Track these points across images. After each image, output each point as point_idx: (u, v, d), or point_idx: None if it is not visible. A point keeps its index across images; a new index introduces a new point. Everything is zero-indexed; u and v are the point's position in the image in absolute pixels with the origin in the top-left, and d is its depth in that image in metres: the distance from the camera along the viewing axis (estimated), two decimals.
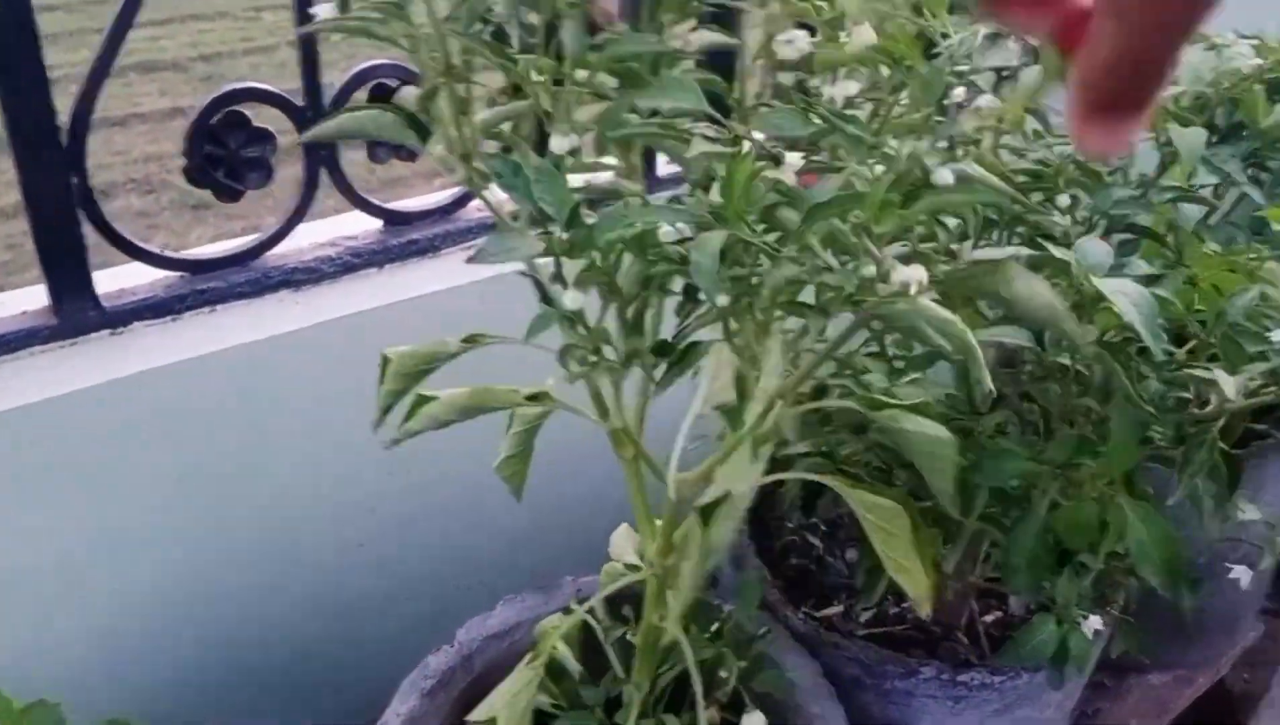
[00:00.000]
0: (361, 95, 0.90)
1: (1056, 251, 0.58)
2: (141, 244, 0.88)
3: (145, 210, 2.75)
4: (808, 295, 0.53)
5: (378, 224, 0.97)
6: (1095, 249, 0.61)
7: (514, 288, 0.97)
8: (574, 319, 0.52)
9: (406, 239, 0.96)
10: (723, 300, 0.47)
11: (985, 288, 0.49)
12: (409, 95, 0.57)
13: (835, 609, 0.88)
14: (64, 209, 0.82)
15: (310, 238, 0.95)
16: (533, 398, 0.57)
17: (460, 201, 0.99)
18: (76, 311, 0.86)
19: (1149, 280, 0.62)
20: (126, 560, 0.89)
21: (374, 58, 0.90)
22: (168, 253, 0.89)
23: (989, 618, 0.89)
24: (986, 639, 0.87)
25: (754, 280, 0.50)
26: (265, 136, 0.88)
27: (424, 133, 0.58)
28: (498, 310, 1.00)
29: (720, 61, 1.02)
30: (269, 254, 0.93)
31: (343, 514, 0.98)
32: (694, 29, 0.62)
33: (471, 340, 0.61)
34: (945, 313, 0.47)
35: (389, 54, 0.88)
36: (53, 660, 0.88)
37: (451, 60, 0.53)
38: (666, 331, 0.58)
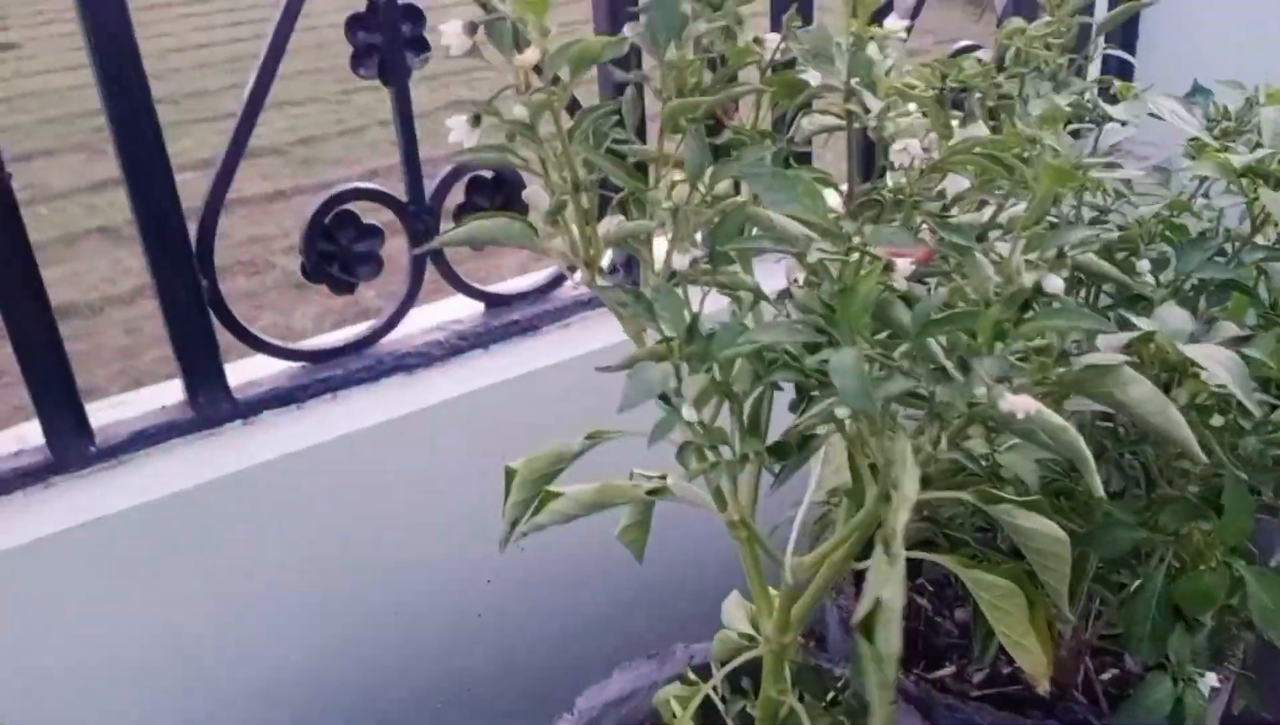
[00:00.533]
0: (459, 187, 0.95)
1: (1141, 321, 0.59)
2: (269, 338, 0.93)
3: (252, 291, 2.88)
4: None
5: (480, 306, 1.01)
6: (1175, 316, 0.62)
7: (610, 360, 1.01)
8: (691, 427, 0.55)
9: (508, 320, 1.00)
10: (875, 410, 0.49)
11: (1097, 390, 0.51)
12: (535, 196, 0.60)
13: (947, 670, 0.89)
14: (196, 310, 0.88)
15: (418, 323, 0.99)
16: (654, 492, 0.60)
17: (556, 281, 1.03)
18: (211, 404, 0.91)
19: (1237, 342, 0.63)
20: (253, 641, 0.94)
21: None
22: (291, 345, 0.94)
23: (1106, 675, 0.88)
24: (1104, 697, 0.87)
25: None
26: (374, 232, 0.93)
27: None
28: (599, 383, 1.04)
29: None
30: (383, 341, 0.97)
31: (461, 586, 1.02)
32: (804, 114, 0.65)
33: (594, 437, 0.63)
34: (1057, 420, 0.49)
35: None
36: None
37: (579, 175, 0.55)
38: (775, 419, 0.60)
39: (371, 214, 0.93)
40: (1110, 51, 1.12)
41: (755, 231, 0.54)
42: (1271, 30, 1.28)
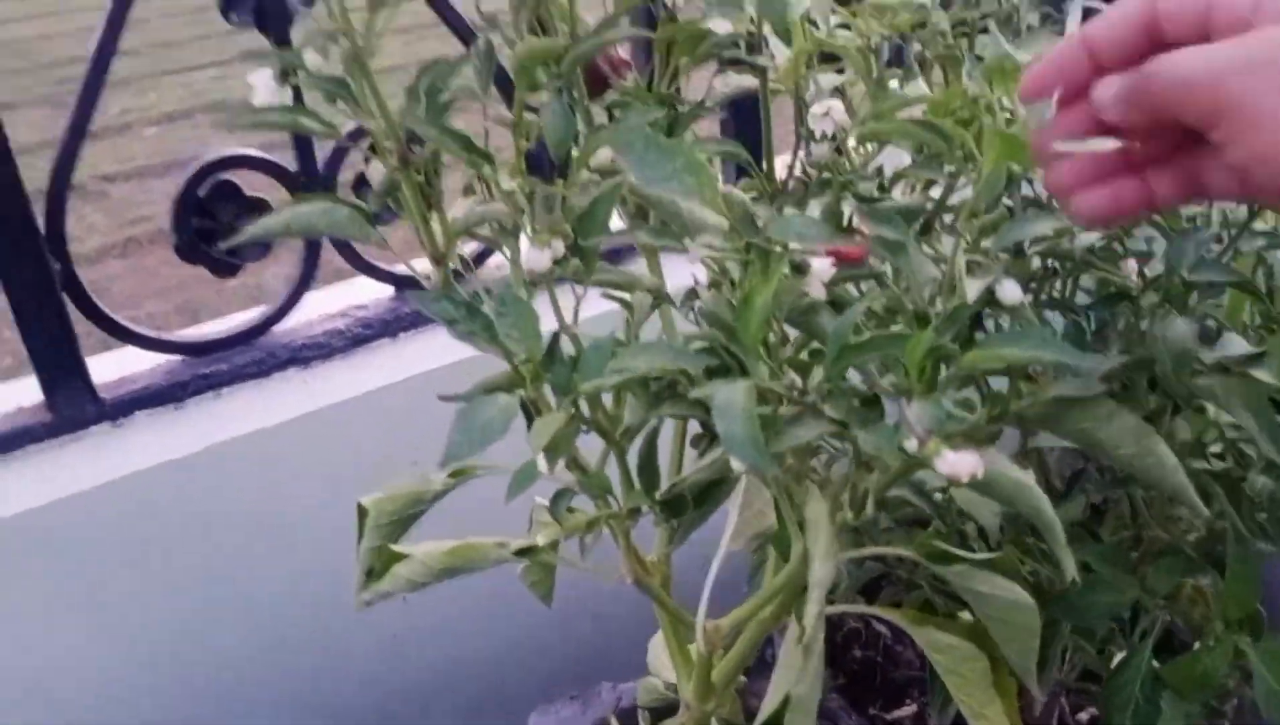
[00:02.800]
0: (357, 156, 0.83)
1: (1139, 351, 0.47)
2: (135, 327, 0.81)
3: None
4: None
5: (388, 290, 0.89)
6: (1176, 331, 0.50)
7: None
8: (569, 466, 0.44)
9: None
10: (772, 470, 0.38)
11: (1069, 428, 0.39)
12: (374, 173, 0.50)
13: (907, 709, 0.78)
14: (48, 297, 0.76)
15: (318, 309, 0.87)
16: (523, 552, 0.49)
17: (479, 258, 0.91)
18: (72, 405, 0.80)
19: (1249, 360, 0.51)
20: (128, 671, 0.83)
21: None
22: (164, 335, 0.83)
23: (1083, 715, 0.78)
24: None
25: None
26: (260, 206, 0.81)
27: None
28: None
29: (749, 130, 0.92)
30: (275, 329, 0.86)
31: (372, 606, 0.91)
32: (716, 74, 0.53)
33: (459, 475, 0.52)
34: (1014, 476, 0.37)
35: None
36: None
37: (410, 151, 0.45)
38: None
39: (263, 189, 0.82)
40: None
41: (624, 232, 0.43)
42: None
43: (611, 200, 0.41)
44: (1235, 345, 0.50)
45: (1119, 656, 0.54)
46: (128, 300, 2.79)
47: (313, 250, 0.84)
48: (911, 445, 0.34)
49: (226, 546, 0.84)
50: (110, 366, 0.83)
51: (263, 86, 0.44)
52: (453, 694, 0.98)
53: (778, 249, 0.39)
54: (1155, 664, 0.52)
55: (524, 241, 0.45)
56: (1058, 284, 0.66)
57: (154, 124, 3.52)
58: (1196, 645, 0.53)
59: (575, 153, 0.43)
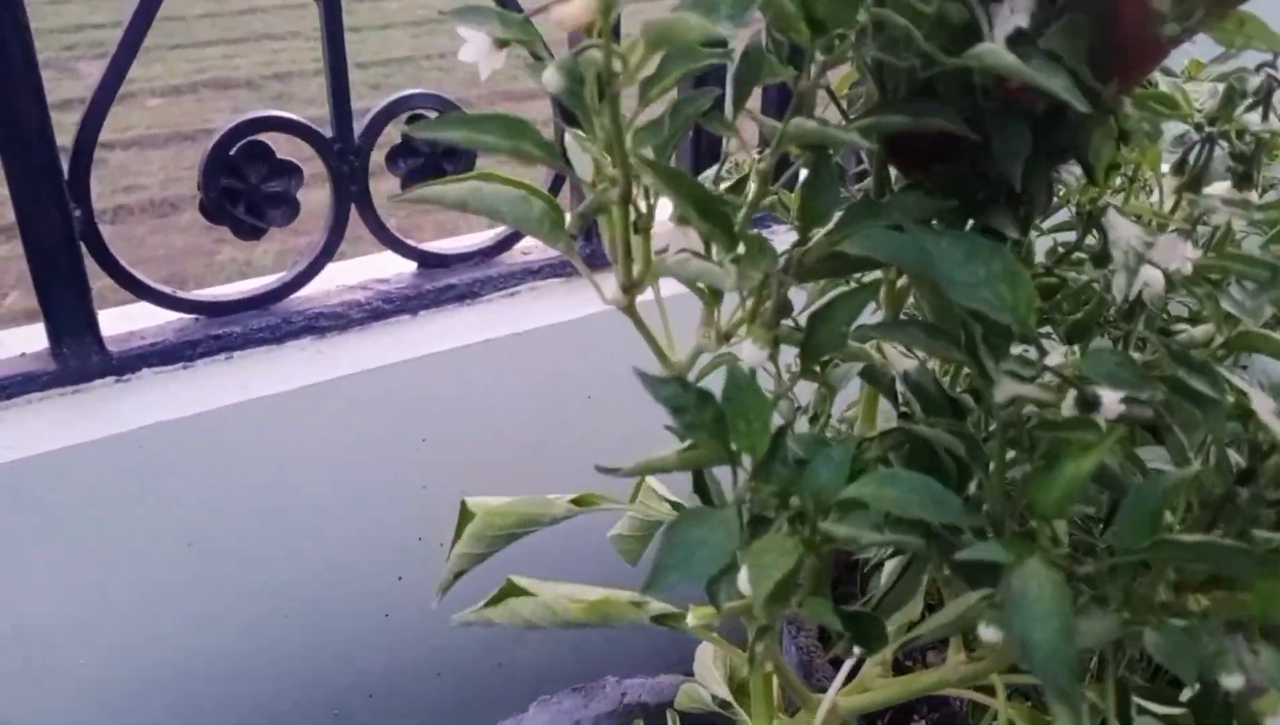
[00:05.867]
0: (393, 129, 0.81)
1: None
2: (150, 282, 0.79)
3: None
4: None
5: (412, 266, 0.87)
6: None
7: (559, 341, 0.87)
8: None
9: (443, 284, 0.86)
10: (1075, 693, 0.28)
11: None
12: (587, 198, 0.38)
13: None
14: (65, 242, 0.74)
15: (338, 280, 0.85)
16: (663, 619, 0.45)
17: (504, 244, 0.89)
18: (79, 356, 0.78)
19: None
20: (128, 627, 0.81)
21: (405, 86, 0.81)
22: (179, 293, 0.81)
23: None
24: None
25: None
26: (290, 169, 0.79)
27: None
28: (539, 364, 0.91)
29: None
30: (293, 296, 0.84)
31: (366, 583, 0.89)
32: None
33: (582, 503, 0.48)
34: None
35: (425, 82, 0.78)
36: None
37: (632, 186, 0.35)
38: None
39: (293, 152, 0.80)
40: None
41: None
42: None
43: (862, 306, 0.34)
44: None
45: None
46: None
47: (340, 220, 0.82)
48: (1233, 683, 0.27)
49: (224, 511, 0.81)
50: (120, 321, 0.81)
51: (475, 44, 0.35)
52: (451, 679, 0.96)
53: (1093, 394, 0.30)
54: None
55: (746, 338, 0.36)
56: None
57: (158, 95, 3.48)
58: None
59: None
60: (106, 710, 0.83)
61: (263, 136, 0.78)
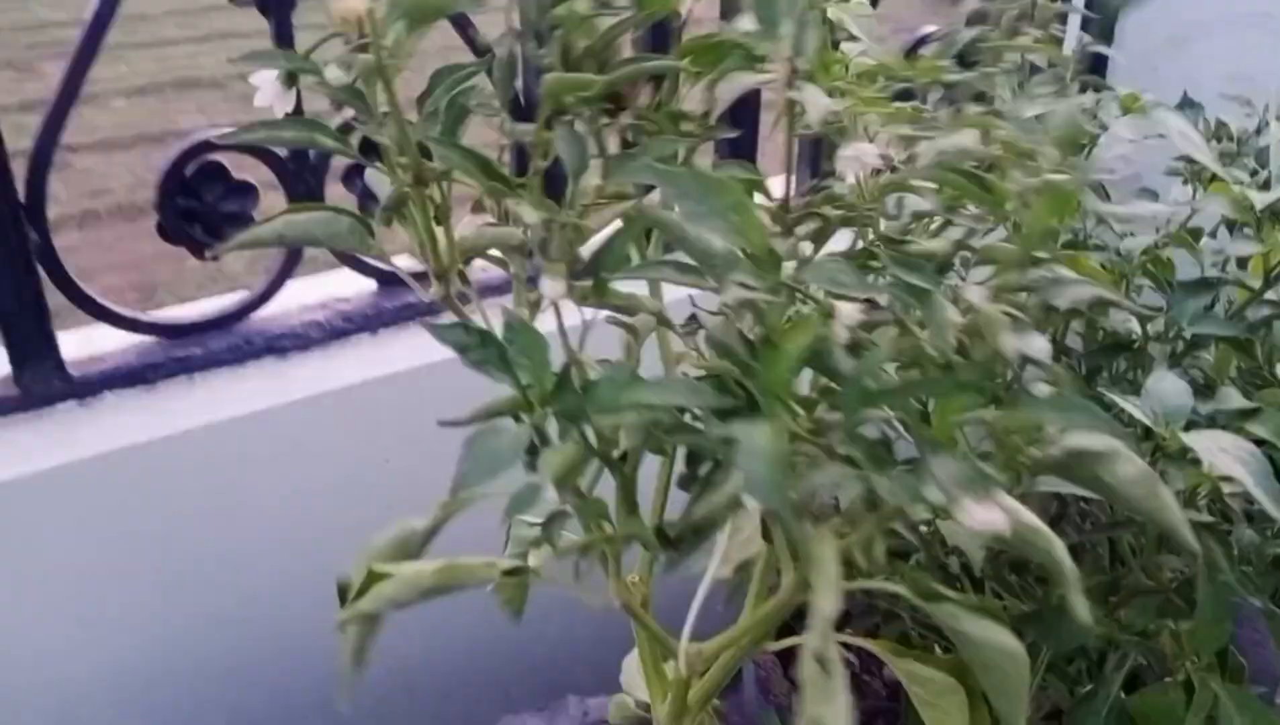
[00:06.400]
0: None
1: (1130, 407, 0.47)
2: (110, 305, 0.79)
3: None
4: None
5: (372, 284, 0.88)
6: (1171, 388, 0.50)
7: None
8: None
9: (403, 302, 0.87)
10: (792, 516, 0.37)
11: (1085, 476, 0.39)
12: (375, 181, 0.49)
13: None
14: (22, 266, 0.74)
15: (298, 298, 0.86)
16: (512, 573, 0.48)
17: (468, 260, 0.90)
18: (40, 380, 0.78)
19: (1242, 415, 0.52)
20: (98, 649, 0.81)
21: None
22: (139, 315, 0.81)
23: None
24: None
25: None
26: (246, 190, 0.79)
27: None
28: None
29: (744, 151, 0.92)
30: (254, 316, 0.84)
31: (331, 606, 0.90)
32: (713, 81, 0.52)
33: (449, 507, 0.50)
34: (1031, 520, 0.37)
35: None
36: None
37: (423, 167, 0.44)
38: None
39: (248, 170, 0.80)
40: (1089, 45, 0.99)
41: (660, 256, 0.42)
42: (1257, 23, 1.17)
43: (633, 235, 0.41)
44: (1231, 399, 0.51)
45: (1087, 688, 0.55)
46: (83, 273, 2.71)
47: None
48: (934, 496, 0.33)
49: (190, 534, 0.82)
50: (80, 343, 0.81)
51: (266, 88, 0.42)
52: (414, 699, 0.96)
53: (816, 293, 0.38)
54: (1123, 696, 0.53)
55: (543, 274, 0.43)
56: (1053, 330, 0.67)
57: (123, 96, 3.45)
58: (1166, 680, 0.53)
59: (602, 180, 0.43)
60: None
61: (218, 156, 0.78)
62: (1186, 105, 0.80)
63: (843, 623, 0.75)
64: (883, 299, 0.40)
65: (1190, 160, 0.68)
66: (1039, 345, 0.36)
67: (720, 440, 0.36)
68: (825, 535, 0.38)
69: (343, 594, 0.47)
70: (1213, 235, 0.65)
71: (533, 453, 0.38)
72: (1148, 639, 0.56)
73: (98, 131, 3.21)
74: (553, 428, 0.41)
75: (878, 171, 0.47)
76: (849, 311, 0.38)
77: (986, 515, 0.32)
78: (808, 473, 0.35)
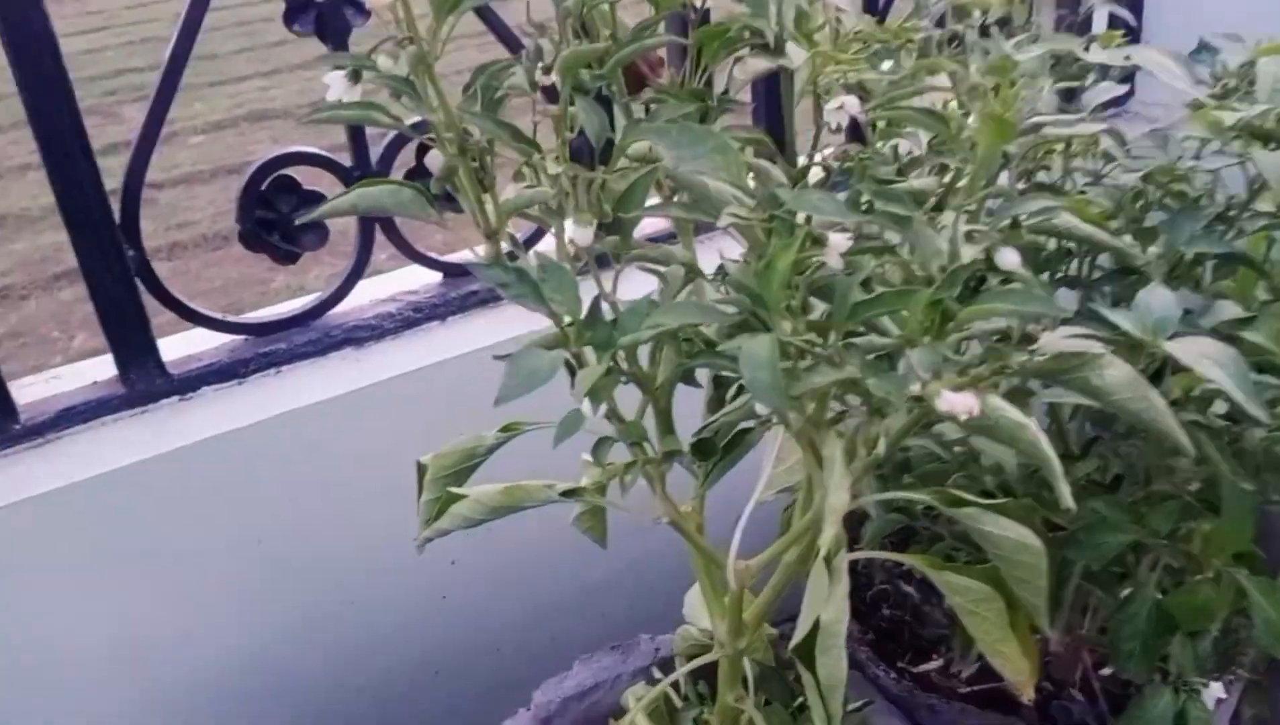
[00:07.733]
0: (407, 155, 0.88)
1: (1117, 318, 0.51)
2: (203, 309, 0.87)
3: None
4: None
5: (437, 277, 0.94)
6: (1159, 301, 0.53)
7: None
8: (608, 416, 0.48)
9: (466, 291, 0.93)
10: (793, 417, 0.42)
11: (1071, 377, 0.43)
12: (434, 160, 0.54)
13: (934, 664, 0.82)
14: (123, 281, 0.82)
15: (370, 294, 0.93)
16: (569, 493, 0.54)
17: (530, 243, 0.96)
18: (144, 380, 0.86)
19: (1238, 324, 0.54)
20: (197, 629, 0.89)
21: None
22: (229, 317, 0.88)
23: (1105, 671, 0.81)
24: (1104, 695, 0.80)
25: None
26: (316, 199, 0.86)
27: (450, 204, 0.55)
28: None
29: (775, 123, 0.96)
30: (330, 313, 0.91)
31: (423, 568, 0.96)
32: (735, 61, 0.57)
33: (510, 429, 0.57)
34: (1012, 416, 0.42)
35: None
36: None
37: (467, 140, 0.50)
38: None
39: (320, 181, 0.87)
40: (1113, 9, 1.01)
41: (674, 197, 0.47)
42: None
43: (648, 182, 0.46)
44: (1225, 311, 0.54)
45: (1125, 594, 0.58)
46: None
47: (367, 240, 0.89)
48: (916, 388, 0.38)
49: (284, 512, 0.89)
50: (178, 346, 0.89)
51: (336, 85, 0.48)
52: (499, 651, 1.03)
53: (799, 220, 0.43)
54: (1160, 597, 0.56)
55: (569, 220, 0.49)
56: (1074, 263, 0.70)
57: (200, 133, 3.62)
58: (1197, 579, 0.56)
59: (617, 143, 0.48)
60: (169, 717, 0.91)
61: (290, 171, 0.85)
62: (1203, 49, 0.82)
63: (897, 548, 0.79)
64: (873, 229, 0.44)
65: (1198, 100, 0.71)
66: (1009, 257, 0.40)
67: (726, 355, 0.41)
68: (832, 437, 0.42)
69: (420, 472, 0.55)
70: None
71: (571, 373, 0.43)
72: (1176, 542, 0.59)
73: (178, 168, 3.38)
74: (590, 357, 0.46)
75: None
76: (839, 240, 0.42)
77: (960, 399, 0.37)
78: (805, 376, 0.40)
